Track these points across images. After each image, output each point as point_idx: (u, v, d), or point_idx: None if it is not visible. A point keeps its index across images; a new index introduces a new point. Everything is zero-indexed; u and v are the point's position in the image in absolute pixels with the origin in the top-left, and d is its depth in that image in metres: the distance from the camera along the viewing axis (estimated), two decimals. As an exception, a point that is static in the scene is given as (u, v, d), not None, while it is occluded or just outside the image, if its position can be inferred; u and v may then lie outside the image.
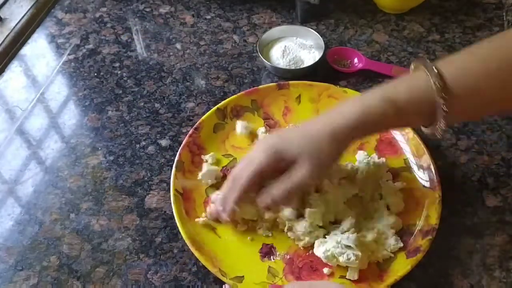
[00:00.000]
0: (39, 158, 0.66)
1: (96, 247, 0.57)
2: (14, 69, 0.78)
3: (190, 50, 0.79)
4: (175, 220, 0.58)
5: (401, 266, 0.52)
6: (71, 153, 0.66)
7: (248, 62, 0.76)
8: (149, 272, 0.55)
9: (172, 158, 0.63)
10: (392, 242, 0.54)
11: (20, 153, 0.67)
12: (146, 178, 0.63)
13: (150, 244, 0.57)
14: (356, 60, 0.75)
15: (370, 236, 0.54)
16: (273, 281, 0.52)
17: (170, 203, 0.60)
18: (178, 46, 0.80)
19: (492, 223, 0.57)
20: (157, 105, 0.71)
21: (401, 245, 0.53)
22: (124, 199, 0.61)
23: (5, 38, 0.83)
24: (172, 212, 0.59)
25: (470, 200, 0.59)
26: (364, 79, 0.72)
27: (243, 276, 0.52)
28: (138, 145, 0.67)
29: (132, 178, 0.63)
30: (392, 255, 0.53)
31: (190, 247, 0.54)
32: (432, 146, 0.61)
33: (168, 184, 0.62)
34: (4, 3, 0.88)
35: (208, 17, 0.85)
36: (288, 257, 0.55)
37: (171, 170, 0.61)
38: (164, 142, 0.67)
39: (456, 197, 0.58)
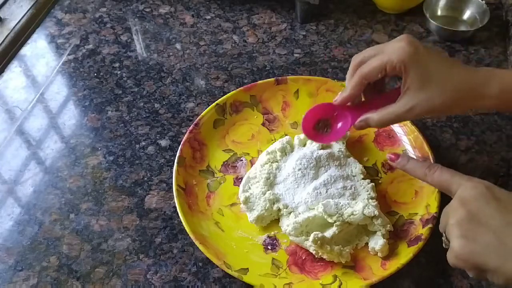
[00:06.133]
0: (38, 158, 0.66)
1: (96, 247, 0.57)
2: (14, 69, 0.78)
3: (190, 50, 0.79)
4: (174, 220, 0.58)
5: (403, 255, 0.52)
6: (70, 153, 0.66)
7: (248, 62, 0.76)
8: (149, 273, 0.55)
9: (172, 158, 0.63)
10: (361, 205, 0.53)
11: (20, 153, 0.67)
12: (145, 178, 0.63)
13: (150, 245, 0.57)
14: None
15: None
16: (277, 273, 0.53)
17: (170, 203, 0.60)
18: (178, 46, 0.80)
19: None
20: (157, 105, 0.71)
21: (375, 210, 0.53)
22: (124, 199, 0.61)
23: (5, 38, 0.83)
24: (172, 212, 0.59)
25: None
26: (364, 79, 0.72)
27: (247, 269, 0.53)
28: (138, 145, 0.67)
29: (131, 178, 0.63)
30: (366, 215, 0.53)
31: (194, 240, 0.53)
32: (432, 147, 0.61)
33: (168, 184, 0.62)
34: (4, 3, 0.88)
35: (208, 17, 0.85)
36: (291, 248, 0.55)
37: (171, 170, 0.61)
38: (163, 143, 0.67)
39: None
